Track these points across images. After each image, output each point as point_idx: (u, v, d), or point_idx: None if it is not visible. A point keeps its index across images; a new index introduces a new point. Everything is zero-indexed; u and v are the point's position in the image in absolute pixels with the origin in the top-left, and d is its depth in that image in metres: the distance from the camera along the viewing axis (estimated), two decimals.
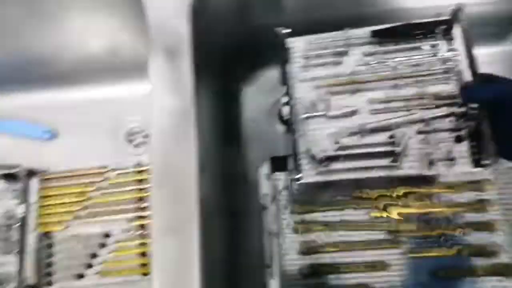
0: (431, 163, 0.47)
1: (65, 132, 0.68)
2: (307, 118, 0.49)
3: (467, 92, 0.46)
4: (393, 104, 0.49)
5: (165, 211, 0.43)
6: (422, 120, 0.48)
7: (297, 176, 0.47)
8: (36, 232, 0.62)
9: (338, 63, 0.50)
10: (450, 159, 0.47)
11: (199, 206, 0.43)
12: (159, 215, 0.42)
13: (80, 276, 0.60)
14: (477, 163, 0.46)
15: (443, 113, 0.48)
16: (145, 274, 0.60)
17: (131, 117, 0.68)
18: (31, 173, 0.64)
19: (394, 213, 0.57)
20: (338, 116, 0.49)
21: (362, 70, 0.50)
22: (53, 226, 0.62)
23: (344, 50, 0.50)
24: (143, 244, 0.61)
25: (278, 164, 0.59)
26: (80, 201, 0.63)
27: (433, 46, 0.50)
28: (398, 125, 0.48)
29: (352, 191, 0.58)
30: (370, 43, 0.50)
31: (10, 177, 0.63)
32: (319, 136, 0.48)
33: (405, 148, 0.47)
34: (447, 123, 0.47)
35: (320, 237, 0.57)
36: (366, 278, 0.55)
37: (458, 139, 0.47)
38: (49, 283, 0.60)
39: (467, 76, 0.48)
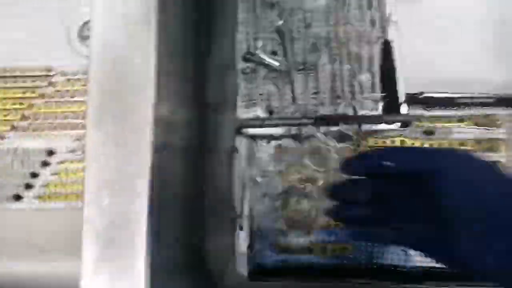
0: None
1: (1, 20, 0.54)
2: None
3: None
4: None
5: (106, 154, 0.32)
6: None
7: None
8: None
9: None
10: None
11: (152, 143, 0.32)
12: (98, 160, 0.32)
13: (18, 197, 0.51)
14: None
15: None
16: None
17: (87, 8, 0.54)
18: None
19: None
20: None
21: None
22: None
23: None
24: None
25: None
26: (20, 109, 0.52)
27: None
28: None
29: None
30: None
31: None
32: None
33: None
34: None
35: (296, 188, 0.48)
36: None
37: None
38: None
39: None
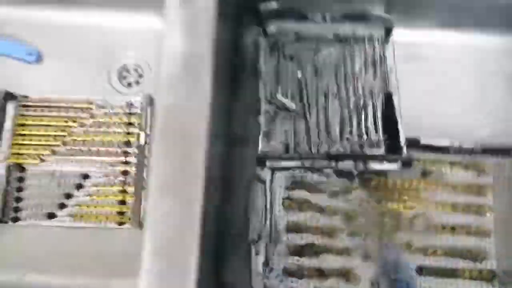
0: None
1: (52, 56, 0.61)
2: None
3: None
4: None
5: (167, 169, 0.37)
6: None
7: None
8: (7, 162, 0.56)
9: None
10: None
11: (205, 166, 0.38)
12: (159, 172, 0.37)
13: (52, 215, 0.56)
14: None
15: None
16: (121, 224, 0.56)
17: (128, 52, 0.61)
18: (8, 96, 0.58)
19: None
20: None
21: None
22: (26, 159, 0.57)
23: None
24: (123, 192, 0.56)
25: None
26: (60, 136, 0.57)
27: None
28: None
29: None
30: None
31: None
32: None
33: None
34: None
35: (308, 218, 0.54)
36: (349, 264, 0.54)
37: None
38: (16, 219, 0.55)
39: None
